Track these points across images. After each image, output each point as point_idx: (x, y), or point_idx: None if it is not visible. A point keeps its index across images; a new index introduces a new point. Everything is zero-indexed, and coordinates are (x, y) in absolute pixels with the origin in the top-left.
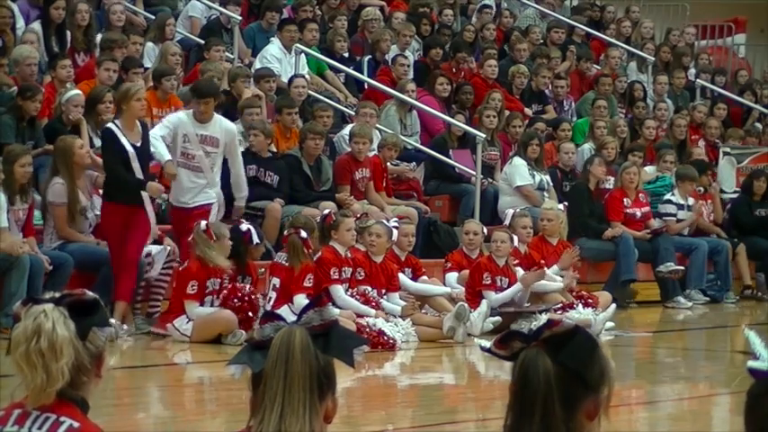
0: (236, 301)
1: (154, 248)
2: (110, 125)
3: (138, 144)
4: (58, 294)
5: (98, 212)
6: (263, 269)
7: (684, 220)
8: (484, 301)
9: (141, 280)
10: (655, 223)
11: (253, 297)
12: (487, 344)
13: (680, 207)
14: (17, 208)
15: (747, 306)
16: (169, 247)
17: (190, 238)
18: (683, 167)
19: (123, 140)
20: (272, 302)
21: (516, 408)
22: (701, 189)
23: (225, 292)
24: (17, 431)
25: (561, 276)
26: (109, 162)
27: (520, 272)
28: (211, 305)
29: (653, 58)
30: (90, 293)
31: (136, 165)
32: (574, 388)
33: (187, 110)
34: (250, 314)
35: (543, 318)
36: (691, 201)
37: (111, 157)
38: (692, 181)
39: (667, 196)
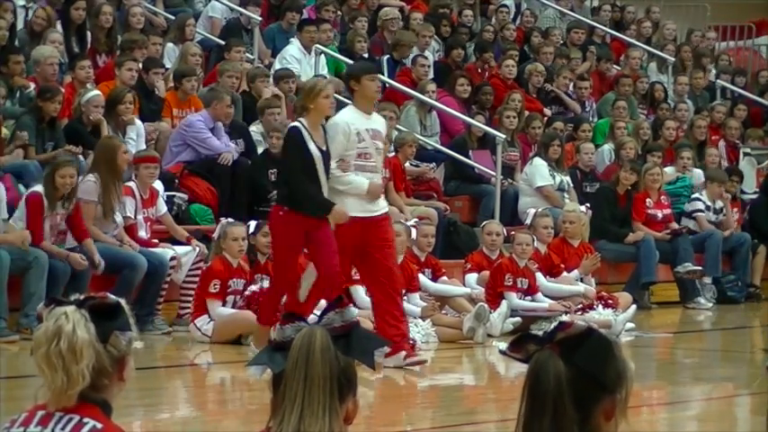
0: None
1: (180, 250)
2: (296, 125)
3: (324, 147)
4: (81, 297)
5: (128, 215)
6: None
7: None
8: (504, 302)
9: (164, 282)
10: (675, 225)
11: None
12: (505, 346)
13: (708, 208)
14: (56, 212)
15: (751, 306)
16: (198, 249)
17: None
18: (714, 170)
19: (311, 145)
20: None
21: (527, 410)
22: (729, 195)
23: (248, 293)
24: None
25: (581, 280)
26: (294, 168)
27: (540, 276)
28: (233, 305)
29: (673, 59)
30: (113, 297)
31: (321, 172)
32: (589, 389)
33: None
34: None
35: (563, 318)
36: (719, 204)
37: (295, 162)
38: (720, 183)
39: (696, 195)
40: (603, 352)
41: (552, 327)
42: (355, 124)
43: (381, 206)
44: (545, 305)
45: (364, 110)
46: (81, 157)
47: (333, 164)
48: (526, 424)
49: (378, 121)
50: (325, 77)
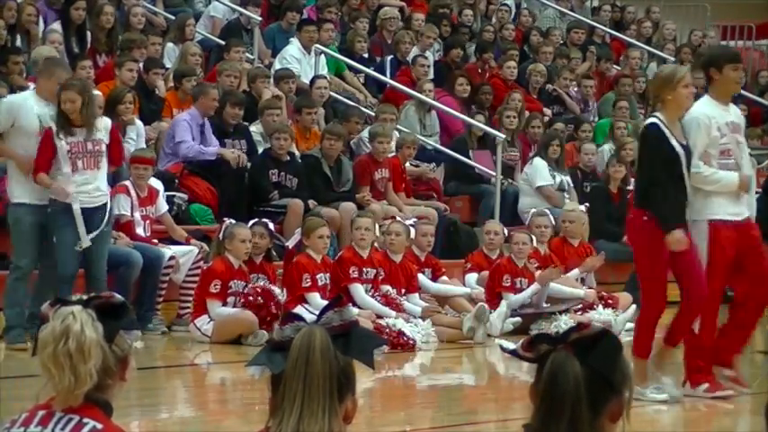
0: (259, 298)
1: (180, 250)
2: (654, 121)
3: (685, 143)
4: (85, 296)
5: (123, 212)
6: (281, 270)
7: None
8: (503, 302)
9: (162, 281)
10: None
11: (275, 301)
12: (510, 345)
13: None
14: (90, 139)
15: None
16: (196, 249)
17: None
18: None
19: (673, 140)
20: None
21: (543, 410)
22: None
23: (247, 291)
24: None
25: (582, 279)
26: (655, 169)
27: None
28: (233, 307)
29: (673, 59)
30: (118, 296)
31: (685, 171)
32: (600, 390)
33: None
34: (273, 310)
35: (563, 318)
36: None
37: (656, 161)
38: None
39: None
40: (615, 353)
41: (568, 327)
42: (716, 118)
43: (745, 208)
44: (535, 287)
45: (723, 102)
46: None
47: (694, 161)
48: (541, 426)
49: (736, 113)
50: (326, 77)
